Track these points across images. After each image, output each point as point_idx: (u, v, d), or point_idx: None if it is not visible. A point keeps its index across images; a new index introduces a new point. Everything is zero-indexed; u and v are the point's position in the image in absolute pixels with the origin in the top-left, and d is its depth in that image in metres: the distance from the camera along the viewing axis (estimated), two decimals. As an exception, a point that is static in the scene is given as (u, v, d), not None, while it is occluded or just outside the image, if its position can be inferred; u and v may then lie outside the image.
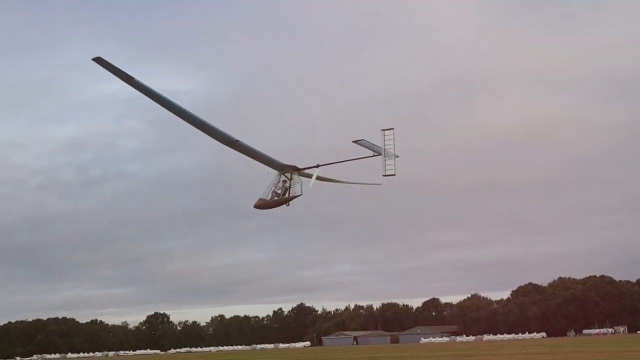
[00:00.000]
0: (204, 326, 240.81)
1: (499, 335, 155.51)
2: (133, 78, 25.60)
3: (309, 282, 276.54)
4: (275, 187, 30.13)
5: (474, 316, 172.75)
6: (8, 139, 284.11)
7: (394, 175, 27.95)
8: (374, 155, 28.28)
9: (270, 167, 30.07)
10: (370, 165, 28.47)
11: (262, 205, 30.40)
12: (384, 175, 28.06)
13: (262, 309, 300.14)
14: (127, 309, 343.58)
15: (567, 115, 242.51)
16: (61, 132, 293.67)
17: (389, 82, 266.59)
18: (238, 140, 28.33)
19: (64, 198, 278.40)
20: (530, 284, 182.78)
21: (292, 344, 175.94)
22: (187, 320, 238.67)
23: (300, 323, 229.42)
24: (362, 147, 28.32)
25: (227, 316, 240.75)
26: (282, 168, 30.02)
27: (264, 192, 30.31)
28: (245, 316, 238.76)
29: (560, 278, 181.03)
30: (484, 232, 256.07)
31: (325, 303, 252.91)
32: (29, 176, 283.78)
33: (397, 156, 28.07)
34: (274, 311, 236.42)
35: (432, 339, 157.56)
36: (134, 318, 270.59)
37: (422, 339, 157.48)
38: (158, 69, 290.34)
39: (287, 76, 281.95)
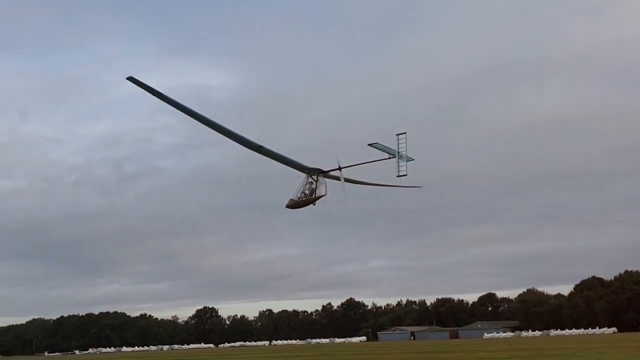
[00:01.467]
0: (252, 320, 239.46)
1: (566, 330, 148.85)
2: (163, 94, 29.11)
3: (351, 277, 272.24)
4: (303, 188, 33.27)
5: (537, 311, 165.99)
6: (46, 136, 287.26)
7: (406, 175, 30.61)
8: (389, 158, 30.68)
9: (297, 170, 32.96)
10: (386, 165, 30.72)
11: (293, 205, 33.76)
12: (397, 176, 30.78)
13: (309, 304, 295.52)
14: (162, 304, 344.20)
15: (609, 105, 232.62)
16: (97, 128, 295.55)
17: (426, 73, 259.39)
18: (262, 146, 30.80)
19: (100, 194, 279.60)
20: (594, 277, 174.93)
21: (349, 339, 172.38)
22: (236, 315, 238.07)
23: (349, 318, 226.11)
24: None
25: (275, 310, 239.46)
26: (308, 171, 33.10)
27: (294, 192, 33.41)
28: (294, 311, 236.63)
29: (626, 271, 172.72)
30: (524, 226, 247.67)
31: (375, 299, 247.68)
32: (65, 172, 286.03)
33: (412, 159, 30.64)
34: (323, 306, 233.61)
35: (496, 334, 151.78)
36: (167, 313, 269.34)
37: (485, 334, 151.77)
38: (190, 64, 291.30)
39: (320, 69, 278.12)
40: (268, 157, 31.30)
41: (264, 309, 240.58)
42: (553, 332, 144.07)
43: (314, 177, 33.35)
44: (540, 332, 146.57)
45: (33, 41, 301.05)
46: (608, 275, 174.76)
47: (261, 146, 30.76)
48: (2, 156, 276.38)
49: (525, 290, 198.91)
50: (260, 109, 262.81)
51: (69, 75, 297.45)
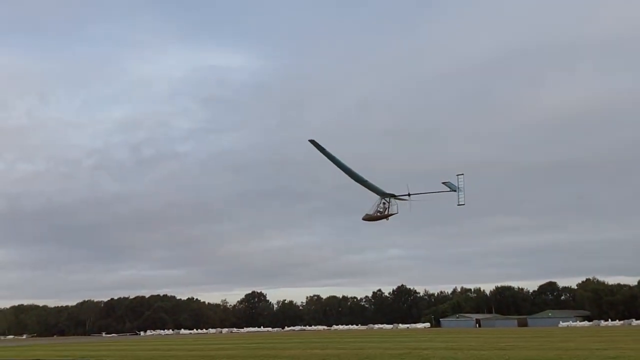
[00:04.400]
0: (300, 305, 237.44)
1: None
2: (335, 158, 39.25)
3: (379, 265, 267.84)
4: (378, 207, 42.87)
5: (610, 300, 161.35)
6: (65, 119, 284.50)
7: (464, 205, 40.55)
8: (450, 191, 40.95)
9: (376, 193, 42.78)
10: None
11: (368, 218, 43.46)
12: (458, 205, 40.57)
13: (358, 291, 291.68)
14: (180, 289, 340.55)
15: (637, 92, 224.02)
16: (116, 111, 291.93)
17: (451, 58, 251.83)
18: (367, 181, 42.22)
19: (118, 178, 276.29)
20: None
21: (413, 325, 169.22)
22: (285, 299, 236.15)
23: (400, 305, 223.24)
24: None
25: (323, 297, 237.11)
26: (383, 195, 42.87)
27: (370, 209, 43.26)
28: (344, 297, 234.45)
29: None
30: (554, 216, 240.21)
31: (427, 286, 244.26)
32: (85, 156, 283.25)
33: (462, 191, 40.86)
34: (373, 292, 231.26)
35: (572, 323, 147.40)
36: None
37: (561, 322, 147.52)
38: (210, 46, 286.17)
39: (342, 53, 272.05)
40: (365, 187, 42.28)
41: (312, 294, 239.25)
42: (635, 322, 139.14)
43: (387, 199, 42.67)
44: (621, 322, 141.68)
45: (53, 24, 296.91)
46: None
47: (366, 180, 41.70)
48: (23, 140, 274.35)
49: (584, 279, 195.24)
50: (280, 92, 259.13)
51: (89, 58, 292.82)
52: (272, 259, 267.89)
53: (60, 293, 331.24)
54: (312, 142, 37.96)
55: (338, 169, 39.86)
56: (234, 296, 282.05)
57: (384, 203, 42.32)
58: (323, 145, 38.01)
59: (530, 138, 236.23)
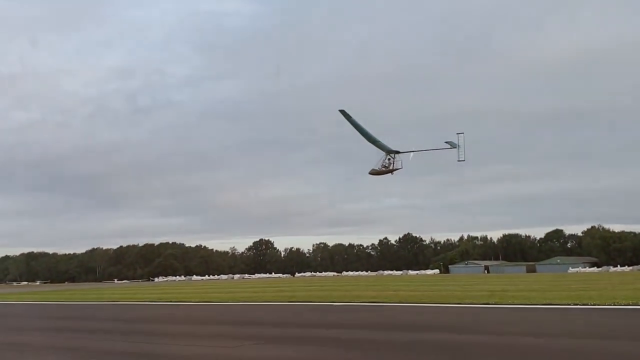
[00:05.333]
0: (307, 253, 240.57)
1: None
2: (360, 125, 44.44)
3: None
4: (383, 162, 45.99)
5: (619, 247, 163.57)
6: (58, 66, 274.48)
7: (464, 160, 44.31)
8: (450, 148, 44.24)
9: (383, 150, 45.93)
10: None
11: (375, 172, 46.62)
12: (458, 161, 44.15)
13: (360, 239, 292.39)
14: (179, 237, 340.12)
15: None
16: (109, 58, 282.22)
17: (450, 1, 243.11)
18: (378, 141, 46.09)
19: (114, 127, 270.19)
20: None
21: (422, 271, 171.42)
22: (292, 247, 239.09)
23: (406, 252, 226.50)
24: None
25: (330, 244, 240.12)
26: (389, 151, 45.99)
27: (376, 164, 46.37)
28: (350, 244, 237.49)
29: None
30: (554, 164, 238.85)
31: (433, 234, 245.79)
32: (79, 105, 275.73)
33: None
34: (380, 240, 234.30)
35: (582, 269, 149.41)
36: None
37: (571, 268, 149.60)
38: None
39: None
40: (369, 140, 45.37)
41: (318, 242, 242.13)
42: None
43: (392, 155, 45.95)
44: (630, 268, 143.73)
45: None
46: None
47: (378, 140, 45.71)
48: (16, 87, 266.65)
49: (589, 227, 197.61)
50: (277, 39, 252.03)
51: (81, 1, 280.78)
52: (270, 208, 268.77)
53: (57, 241, 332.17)
54: (342, 112, 42.28)
55: (340, 120, 43.52)
56: (233, 244, 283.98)
57: (389, 159, 45.64)
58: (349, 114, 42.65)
59: (530, 85, 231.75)
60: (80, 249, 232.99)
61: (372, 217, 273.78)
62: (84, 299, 39.20)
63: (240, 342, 12.57)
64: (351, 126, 44.04)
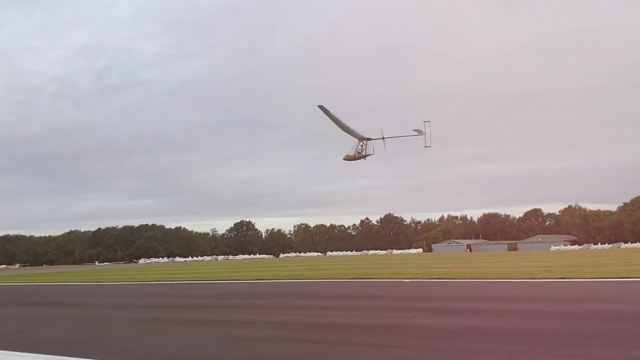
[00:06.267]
0: (287, 234, 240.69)
1: (631, 243, 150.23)
2: (339, 120, 47.44)
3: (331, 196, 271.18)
4: (357, 148, 49.39)
5: (598, 225, 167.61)
6: (23, 43, 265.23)
7: (430, 146, 47.83)
8: (418, 135, 47.77)
9: (356, 137, 49.47)
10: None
11: (349, 158, 50.18)
12: (424, 147, 47.75)
13: (344, 220, 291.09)
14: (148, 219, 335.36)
15: (611, 19, 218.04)
16: (76, 35, 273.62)
17: None
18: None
19: (81, 107, 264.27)
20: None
21: (406, 250, 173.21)
22: (273, 228, 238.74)
23: (387, 232, 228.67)
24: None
25: (311, 225, 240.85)
26: (361, 138, 49.46)
27: (350, 150, 50.06)
28: (331, 225, 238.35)
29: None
30: (522, 144, 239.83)
31: (414, 214, 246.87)
32: (45, 84, 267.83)
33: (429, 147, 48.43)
34: (361, 220, 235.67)
35: (563, 247, 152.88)
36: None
37: (552, 246, 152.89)
38: None
39: None
40: (344, 131, 48.33)
41: (299, 223, 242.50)
42: (623, 246, 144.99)
43: (364, 142, 49.26)
44: (610, 245, 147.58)
45: None
46: None
47: (352, 130, 48.95)
48: None
49: (567, 206, 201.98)
50: (249, 16, 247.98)
51: None
52: (243, 189, 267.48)
53: (30, 224, 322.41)
54: (321, 107, 44.33)
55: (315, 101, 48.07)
56: (208, 226, 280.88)
57: (362, 145, 49.32)
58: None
59: (498, 65, 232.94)
60: (57, 232, 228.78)
61: (348, 198, 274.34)
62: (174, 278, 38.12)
63: (413, 313, 12.40)
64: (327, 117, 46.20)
